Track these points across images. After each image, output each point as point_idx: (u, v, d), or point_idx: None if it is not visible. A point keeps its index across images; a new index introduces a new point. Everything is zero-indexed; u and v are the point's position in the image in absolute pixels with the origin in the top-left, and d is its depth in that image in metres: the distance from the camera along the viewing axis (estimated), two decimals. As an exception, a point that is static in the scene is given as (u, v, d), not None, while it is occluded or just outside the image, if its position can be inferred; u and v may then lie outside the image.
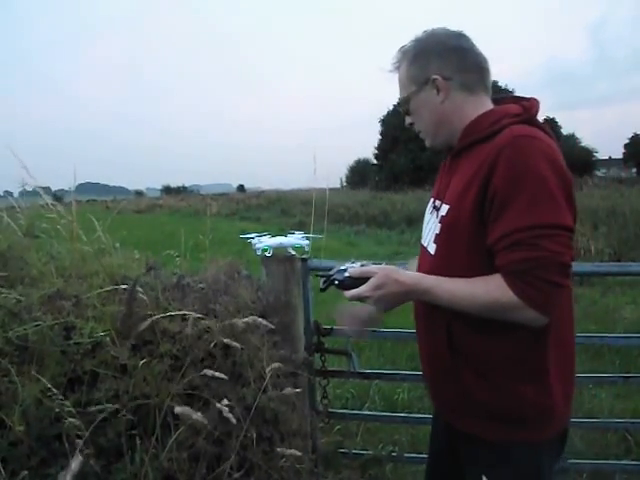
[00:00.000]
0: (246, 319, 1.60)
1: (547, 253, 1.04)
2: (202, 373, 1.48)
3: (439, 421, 1.49)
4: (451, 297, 1.15)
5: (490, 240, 1.11)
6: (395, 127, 36.33)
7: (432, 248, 1.27)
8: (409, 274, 1.22)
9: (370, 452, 2.38)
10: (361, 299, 1.21)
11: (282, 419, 1.70)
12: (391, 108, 38.53)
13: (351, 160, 45.21)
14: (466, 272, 1.16)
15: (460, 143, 1.25)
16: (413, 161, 33.98)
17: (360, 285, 1.20)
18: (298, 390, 1.68)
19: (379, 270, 1.20)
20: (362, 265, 1.28)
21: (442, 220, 1.23)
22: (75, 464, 1.07)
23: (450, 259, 1.20)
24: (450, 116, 1.25)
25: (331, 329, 2.13)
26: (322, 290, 1.34)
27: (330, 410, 2.26)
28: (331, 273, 1.30)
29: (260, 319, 1.60)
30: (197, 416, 1.33)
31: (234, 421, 1.39)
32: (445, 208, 1.23)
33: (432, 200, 1.36)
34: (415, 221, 15.25)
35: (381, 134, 39.35)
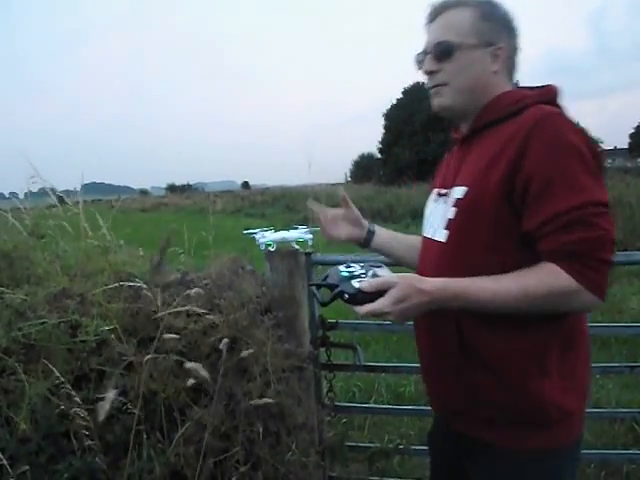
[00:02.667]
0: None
1: (602, 232, 0.98)
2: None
3: (439, 436, 1.38)
4: (492, 297, 1.03)
5: (531, 225, 1.03)
6: (399, 121, 36.25)
7: (442, 235, 1.16)
8: (432, 281, 1.07)
9: (377, 445, 2.39)
10: (378, 315, 1.04)
11: (288, 413, 1.70)
12: (394, 102, 38.42)
13: (355, 155, 45.17)
14: (489, 256, 1.07)
15: (476, 123, 1.17)
16: (417, 154, 33.89)
17: (375, 298, 1.02)
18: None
19: (399, 280, 1.04)
20: (363, 267, 1.11)
21: (458, 203, 1.13)
22: (113, 394, 1.07)
23: (468, 243, 1.10)
24: (486, 89, 1.16)
25: (336, 323, 2.13)
26: (324, 305, 1.13)
27: (336, 404, 2.27)
28: (332, 282, 1.09)
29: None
30: (204, 372, 1.34)
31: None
32: (461, 190, 1.13)
33: (436, 191, 1.29)
34: (420, 214, 15.15)
35: (385, 128, 39.25)
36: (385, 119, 39.19)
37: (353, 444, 2.35)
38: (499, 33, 1.16)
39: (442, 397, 1.26)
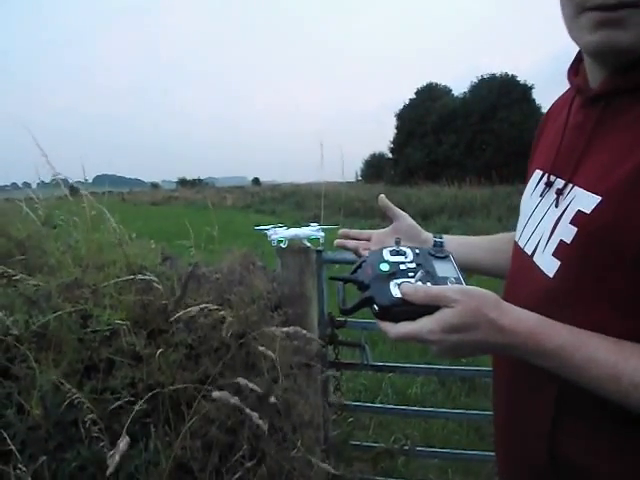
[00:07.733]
0: (286, 329, 1.60)
1: None
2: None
3: None
4: (586, 364, 0.62)
5: None
6: (411, 121, 36.17)
7: (549, 264, 0.73)
8: (519, 314, 0.66)
9: (382, 445, 2.39)
10: (417, 340, 0.68)
11: (295, 410, 1.71)
12: (407, 102, 38.35)
13: (367, 154, 45.18)
14: (619, 318, 0.64)
15: (630, 76, 0.67)
16: (428, 155, 33.79)
17: (421, 312, 0.65)
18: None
19: (464, 297, 0.65)
20: (419, 256, 0.73)
21: (581, 221, 0.68)
22: (123, 444, 1.10)
23: (589, 292, 0.67)
24: None
25: (345, 321, 2.13)
26: (345, 313, 0.75)
27: (343, 402, 2.27)
28: (363, 278, 0.72)
29: (304, 331, 1.60)
30: (235, 400, 1.34)
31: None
32: (587, 199, 0.68)
33: (540, 174, 0.84)
34: (430, 215, 15.19)
35: (397, 128, 39.17)
36: (397, 119, 39.12)
37: (358, 443, 2.36)
38: None
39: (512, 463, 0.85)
